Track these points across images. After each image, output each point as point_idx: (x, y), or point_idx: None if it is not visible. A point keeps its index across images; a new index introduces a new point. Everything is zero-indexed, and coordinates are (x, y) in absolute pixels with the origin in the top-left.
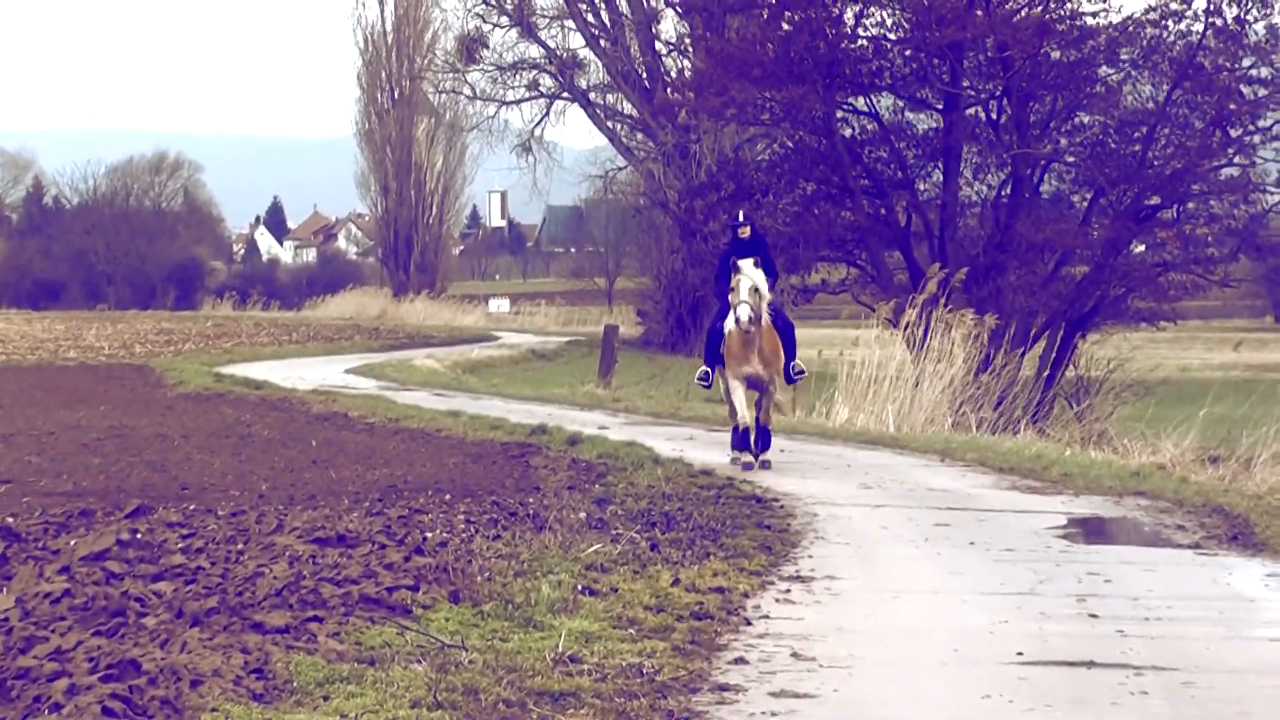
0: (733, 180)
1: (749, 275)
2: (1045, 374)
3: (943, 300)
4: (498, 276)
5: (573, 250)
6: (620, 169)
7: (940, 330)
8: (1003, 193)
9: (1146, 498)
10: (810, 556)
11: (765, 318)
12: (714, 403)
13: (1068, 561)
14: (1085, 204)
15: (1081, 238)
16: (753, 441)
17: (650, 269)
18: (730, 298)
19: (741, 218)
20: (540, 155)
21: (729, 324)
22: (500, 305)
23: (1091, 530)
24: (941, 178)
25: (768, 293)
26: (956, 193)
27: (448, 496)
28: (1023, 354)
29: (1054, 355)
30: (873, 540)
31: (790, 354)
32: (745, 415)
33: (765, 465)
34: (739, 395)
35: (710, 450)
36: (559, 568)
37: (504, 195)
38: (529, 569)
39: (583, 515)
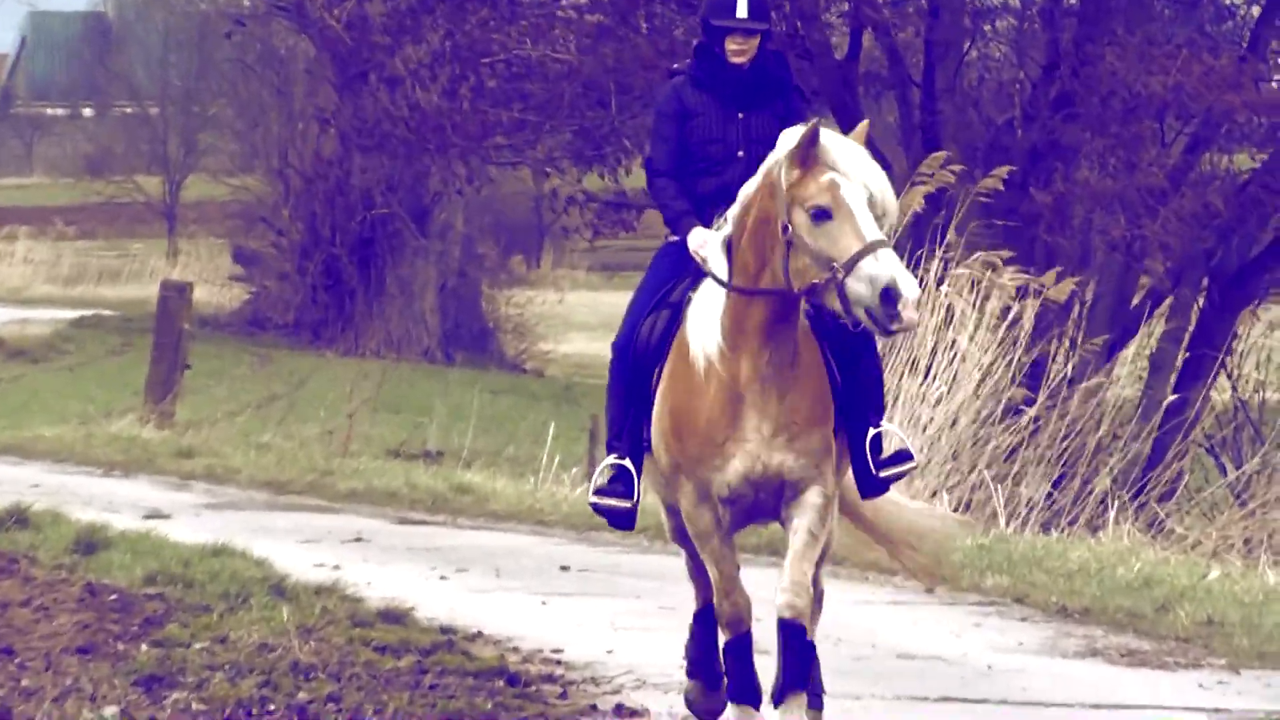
0: None
1: (853, 169)
2: (1165, 397)
3: (936, 223)
4: None
5: (87, 112)
6: None
7: (934, 296)
8: None
9: None
10: None
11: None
12: (408, 458)
13: None
14: (1256, 12)
15: (1243, 86)
16: (775, 669)
17: (264, 157)
18: (715, 258)
19: (744, 4)
20: None
21: (694, 337)
22: None
23: None
24: None
25: (894, 224)
26: None
27: None
28: (1114, 350)
29: (1185, 355)
30: None
31: (868, 406)
32: (736, 589)
33: None
34: (711, 538)
35: (402, 565)
36: None
37: None
38: None
39: (110, 714)
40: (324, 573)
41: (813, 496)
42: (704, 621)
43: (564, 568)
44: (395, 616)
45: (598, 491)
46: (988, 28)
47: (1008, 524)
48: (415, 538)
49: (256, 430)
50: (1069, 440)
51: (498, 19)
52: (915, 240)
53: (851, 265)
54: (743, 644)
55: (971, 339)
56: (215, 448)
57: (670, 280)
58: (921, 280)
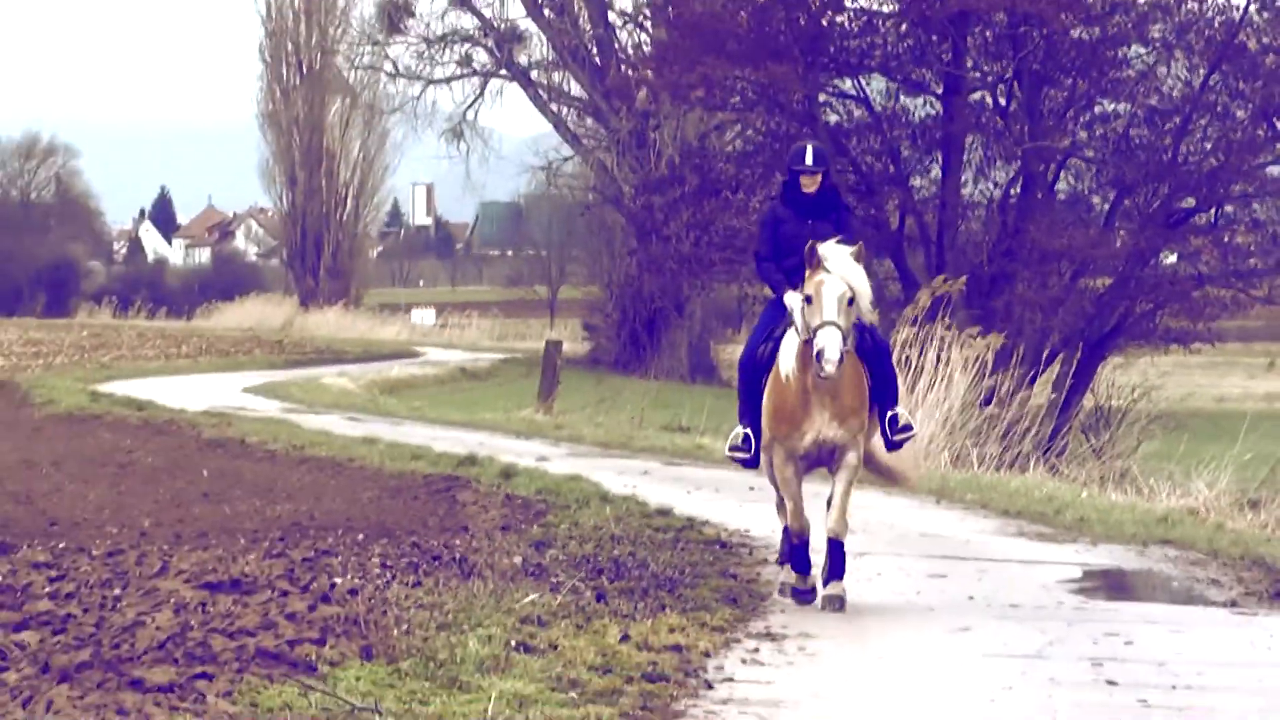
0: (697, 174)
1: (839, 272)
2: (1059, 403)
3: (942, 316)
4: (422, 283)
5: (509, 254)
6: (566, 159)
7: (937, 351)
8: (1011, 192)
9: (1175, 547)
10: (783, 611)
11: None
12: (671, 431)
13: (1082, 620)
14: (1107, 207)
15: (1103, 245)
16: (819, 562)
17: (600, 276)
18: (799, 312)
19: (810, 156)
20: (473, 142)
21: (782, 361)
22: (424, 317)
23: (1111, 584)
24: (940, 173)
25: (869, 308)
26: (958, 191)
27: (360, 537)
28: (1033, 379)
29: (1070, 381)
30: (856, 593)
31: (888, 397)
32: (802, 516)
33: (836, 605)
34: (791, 484)
35: (667, 486)
36: (489, 620)
37: (430, 189)
38: (454, 621)
39: (518, 560)
40: (627, 489)
41: (851, 459)
42: (786, 536)
43: (751, 488)
44: (664, 512)
45: (731, 449)
46: (971, 213)
47: (979, 467)
48: (676, 472)
49: (595, 416)
50: (1011, 425)
51: (718, 205)
52: (929, 319)
53: (813, 334)
54: (803, 545)
55: (961, 370)
56: (573, 425)
57: (774, 323)
58: (925, 343)
